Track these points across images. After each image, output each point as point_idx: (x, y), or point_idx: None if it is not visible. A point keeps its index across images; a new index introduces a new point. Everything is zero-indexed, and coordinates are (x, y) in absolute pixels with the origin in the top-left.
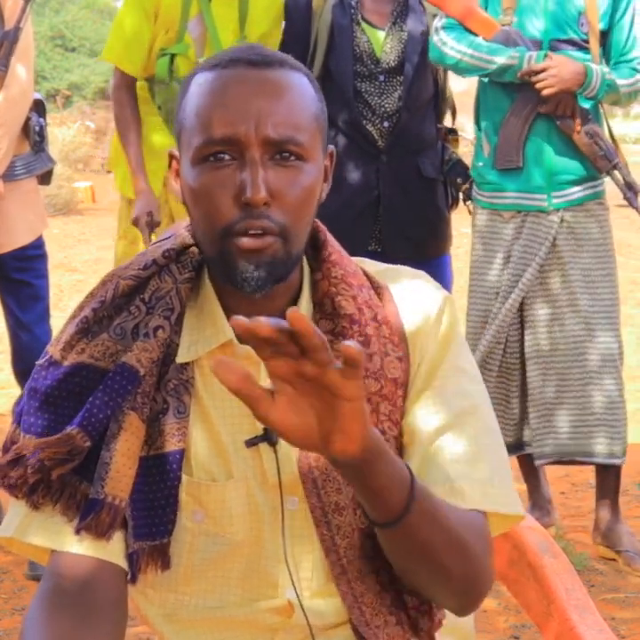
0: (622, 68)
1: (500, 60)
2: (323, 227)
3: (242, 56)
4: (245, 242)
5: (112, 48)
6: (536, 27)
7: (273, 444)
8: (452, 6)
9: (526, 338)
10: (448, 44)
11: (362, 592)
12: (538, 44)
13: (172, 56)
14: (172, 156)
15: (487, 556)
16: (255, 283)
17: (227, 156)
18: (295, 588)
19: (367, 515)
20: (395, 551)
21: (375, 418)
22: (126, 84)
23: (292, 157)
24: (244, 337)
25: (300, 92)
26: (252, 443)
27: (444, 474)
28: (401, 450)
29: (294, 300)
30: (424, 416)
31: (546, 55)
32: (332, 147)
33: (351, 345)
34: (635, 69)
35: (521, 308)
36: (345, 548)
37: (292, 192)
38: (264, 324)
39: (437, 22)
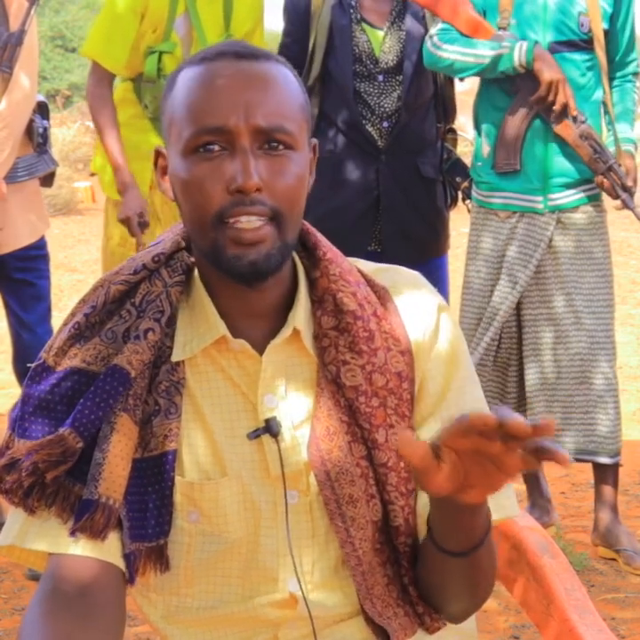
0: (624, 88)
1: (492, 52)
2: (312, 228)
3: (228, 49)
4: (242, 234)
5: (93, 43)
6: (535, 29)
7: (275, 435)
8: (447, 11)
9: (529, 366)
10: (441, 48)
11: (372, 584)
12: None
13: (160, 54)
14: (158, 154)
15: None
16: (252, 276)
17: (217, 147)
18: (299, 581)
19: (437, 544)
20: (450, 575)
21: (383, 412)
22: (108, 80)
23: (281, 146)
24: (485, 427)
25: (286, 82)
26: (255, 435)
27: None
28: None
29: (287, 296)
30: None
31: (536, 44)
32: (314, 140)
33: (563, 454)
34: (635, 75)
35: (517, 307)
36: (360, 540)
37: (282, 179)
38: (520, 423)
39: (432, 30)
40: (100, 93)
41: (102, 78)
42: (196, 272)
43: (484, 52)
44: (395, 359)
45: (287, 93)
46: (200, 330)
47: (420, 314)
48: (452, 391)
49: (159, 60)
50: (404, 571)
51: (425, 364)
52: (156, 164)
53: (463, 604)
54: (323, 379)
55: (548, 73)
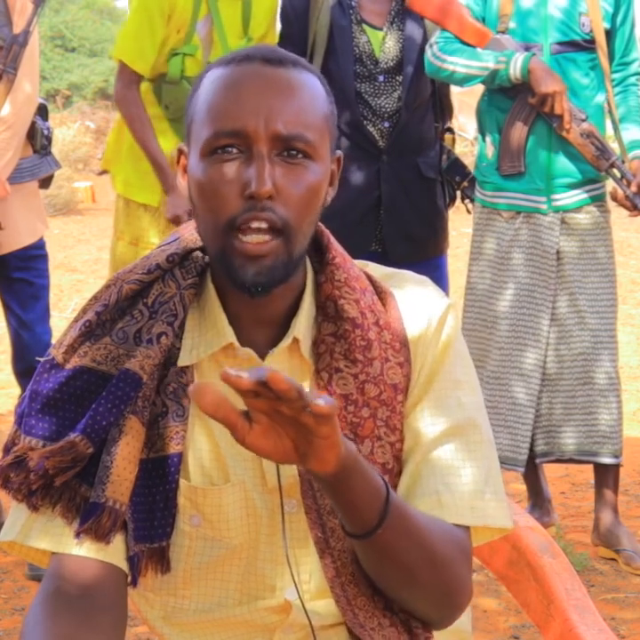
0: (628, 91)
1: (490, 65)
2: (326, 230)
3: (256, 53)
4: (248, 247)
5: (123, 46)
6: (536, 31)
7: None
8: (445, 18)
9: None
10: (440, 58)
11: (355, 595)
12: (538, 49)
13: (183, 56)
14: (180, 152)
15: (464, 568)
16: (255, 288)
17: (234, 150)
18: (297, 589)
19: (344, 529)
20: (368, 562)
21: (372, 424)
22: (136, 82)
23: (300, 155)
24: (230, 386)
25: (312, 91)
26: None
27: (433, 486)
28: (398, 456)
29: (297, 301)
30: (419, 428)
31: (533, 55)
32: (339, 152)
33: (321, 404)
34: (637, 77)
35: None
36: (339, 551)
37: (296, 189)
38: (245, 379)
39: (433, 39)
40: (133, 96)
41: (131, 81)
42: (208, 273)
43: (483, 64)
44: (392, 371)
45: (311, 102)
46: (208, 335)
47: (423, 315)
48: (442, 375)
49: (182, 62)
50: None
51: (424, 359)
52: (178, 162)
53: (419, 603)
54: (314, 386)
55: (543, 86)
